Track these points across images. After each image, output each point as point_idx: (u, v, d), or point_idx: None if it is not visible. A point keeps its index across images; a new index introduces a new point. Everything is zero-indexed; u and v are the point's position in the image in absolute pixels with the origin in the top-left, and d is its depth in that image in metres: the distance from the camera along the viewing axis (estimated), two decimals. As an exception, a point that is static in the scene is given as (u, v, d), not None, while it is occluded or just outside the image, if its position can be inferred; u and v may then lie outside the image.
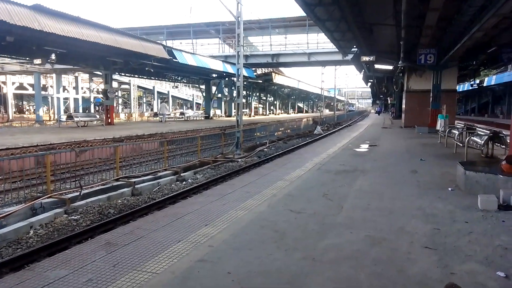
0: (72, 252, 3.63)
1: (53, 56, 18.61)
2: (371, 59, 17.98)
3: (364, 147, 12.49)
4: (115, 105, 32.71)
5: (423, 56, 15.56)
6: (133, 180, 9.23)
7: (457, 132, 11.03)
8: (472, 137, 9.08)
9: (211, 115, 38.20)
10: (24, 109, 46.46)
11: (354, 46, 22.18)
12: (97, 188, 8.42)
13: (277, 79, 46.59)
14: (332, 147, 12.73)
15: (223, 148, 15.01)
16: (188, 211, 4.97)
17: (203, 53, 34.24)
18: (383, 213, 4.76)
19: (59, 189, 8.17)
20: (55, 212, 6.82)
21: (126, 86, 45.75)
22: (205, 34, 39.67)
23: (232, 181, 8.10)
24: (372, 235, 3.93)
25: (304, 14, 21.29)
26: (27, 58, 20.65)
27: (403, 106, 24.00)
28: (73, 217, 6.88)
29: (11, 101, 35.61)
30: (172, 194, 8.53)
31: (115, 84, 37.49)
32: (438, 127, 15.25)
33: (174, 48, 26.08)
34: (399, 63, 18.06)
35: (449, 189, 5.97)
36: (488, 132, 8.77)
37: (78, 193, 7.69)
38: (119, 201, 8.11)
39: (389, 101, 50.82)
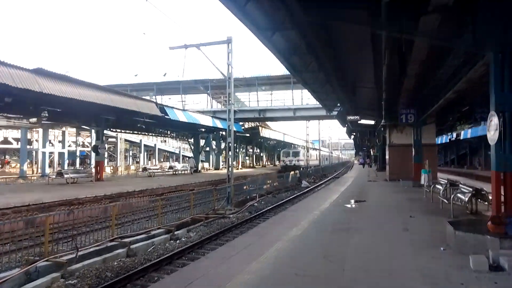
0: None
1: (46, 114, 18.95)
2: (356, 118, 19.02)
3: (354, 203, 12.82)
4: (101, 158, 32.58)
5: (404, 115, 16.72)
6: (128, 240, 9.19)
7: (441, 188, 11.57)
8: (456, 194, 9.61)
9: (199, 168, 38.34)
10: (6, 164, 45.51)
11: (338, 104, 23.51)
12: (92, 249, 8.33)
13: (264, 132, 47.96)
14: (323, 203, 13.01)
15: (214, 204, 15.07)
16: (197, 276, 5.08)
17: (193, 108, 35.30)
18: (384, 275, 5.00)
19: (54, 251, 8.04)
20: (52, 276, 6.72)
21: (113, 140, 45.87)
22: (194, 90, 41.14)
23: (232, 242, 8.23)
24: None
25: (289, 73, 22.70)
26: (21, 116, 20.92)
27: (387, 159, 24.91)
28: (70, 281, 6.78)
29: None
30: (168, 255, 8.53)
31: (103, 138, 37.65)
32: (422, 182, 15.86)
33: (166, 106, 26.94)
34: (382, 121, 19.13)
35: (441, 248, 6.25)
36: (471, 189, 9.30)
37: (73, 255, 7.60)
38: (115, 262, 8.03)
39: (371, 153, 52.28)
